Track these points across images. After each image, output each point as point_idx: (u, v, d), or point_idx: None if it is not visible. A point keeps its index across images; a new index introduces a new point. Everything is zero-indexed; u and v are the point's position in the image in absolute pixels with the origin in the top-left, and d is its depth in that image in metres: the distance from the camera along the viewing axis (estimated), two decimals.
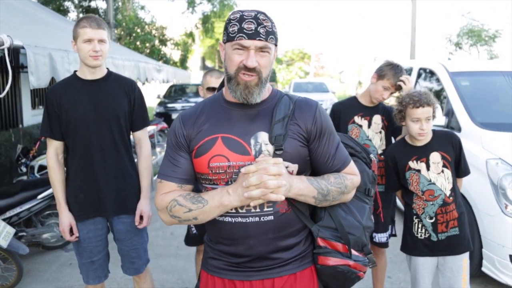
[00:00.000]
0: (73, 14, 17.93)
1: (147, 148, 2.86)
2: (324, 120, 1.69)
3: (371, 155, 1.93)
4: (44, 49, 4.14)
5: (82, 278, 2.89)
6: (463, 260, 2.83)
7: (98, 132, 2.64)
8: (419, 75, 6.18)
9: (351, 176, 1.71)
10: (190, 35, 22.16)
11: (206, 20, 22.11)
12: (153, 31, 18.88)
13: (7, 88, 3.35)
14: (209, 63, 59.59)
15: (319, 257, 1.69)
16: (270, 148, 1.59)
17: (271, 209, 1.60)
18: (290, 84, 21.13)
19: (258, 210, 1.59)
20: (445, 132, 2.91)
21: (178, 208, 1.65)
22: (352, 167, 1.74)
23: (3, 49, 3.30)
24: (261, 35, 1.55)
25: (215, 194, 1.59)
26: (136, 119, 2.81)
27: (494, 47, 20.48)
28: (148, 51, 17.94)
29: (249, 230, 1.61)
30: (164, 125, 11.50)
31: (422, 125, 2.71)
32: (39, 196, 4.53)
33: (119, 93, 2.72)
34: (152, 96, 18.46)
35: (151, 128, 9.40)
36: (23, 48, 3.82)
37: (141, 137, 2.86)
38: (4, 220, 4.19)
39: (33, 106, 9.43)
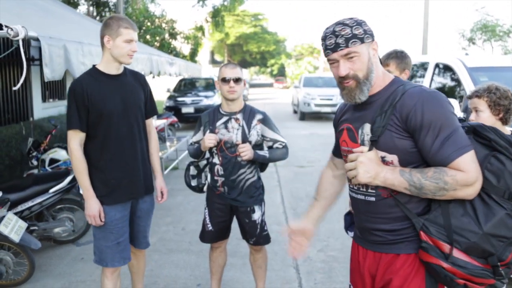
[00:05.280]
0: (83, 7, 17.90)
1: (155, 133, 3.26)
2: (427, 111, 1.63)
3: None
4: (59, 41, 4.08)
5: (106, 263, 2.95)
6: None
7: (127, 122, 2.90)
8: (435, 70, 6.07)
9: (454, 172, 1.59)
10: (200, 28, 22.09)
11: (216, 13, 22.03)
12: (163, 25, 18.83)
13: (22, 80, 3.30)
14: (218, 57, 59.59)
15: (420, 250, 1.71)
16: (369, 138, 1.75)
17: (374, 191, 1.79)
18: (300, 78, 20.91)
19: (364, 189, 1.82)
20: None
21: None
22: (463, 162, 1.58)
23: (17, 40, 3.25)
24: (340, 45, 1.71)
25: None
26: (149, 108, 3.13)
27: (508, 42, 20.21)
28: (158, 44, 17.90)
29: (359, 206, 1.88)
30: (174, 119, 11.42)
31: None
32: (51, 190, 4.50)
33: (137, 86, 3.01)
34: (161, 90, 18.45)
35: (161, 122, 9.35)
36: (35, 40, 3.76)
37: (151, 124, 3.22)
38: (15, 214, 4.16)
39: (44, 99, 9.41)
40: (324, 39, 1.77)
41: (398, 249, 1.77)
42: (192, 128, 15.27)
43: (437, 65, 6.03)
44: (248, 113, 3.20)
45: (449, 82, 5.67)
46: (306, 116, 18.13)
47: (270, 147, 3.25)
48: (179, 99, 15.55)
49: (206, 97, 15.76)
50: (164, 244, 4.97)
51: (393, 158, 1.71)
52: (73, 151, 2.79)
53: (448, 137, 1.61)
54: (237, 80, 3.11)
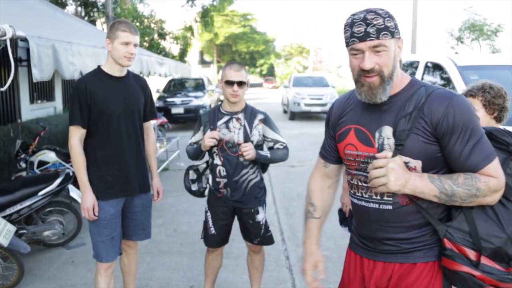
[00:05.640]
0: (71, 8, 17.74)
1: (153, 135, 3.39)
2: (458, 114, 1.57)
3: None
4: (48, 41, 4.02)
5: (101, 258, 3.02)
6: None
7: (126, 123, 3.00)
8: (425, 69, 6.09)
9: (486, 178, 1.56)
10: (189, 29, 22.01)
11: (205, 14, 21.96)
12: (152, 25, 18.72)
13: (9, 81, 3.25)
14: (207, 58, 59.45)
15: (443, 258, 1.64)
16: (392, 142, 1.63)
17: (391, 199, 1.67)
18: (290, 78, 20.91)
19: (378, 197, 1.70)
20: None
21: None
22: (492, 168, 1.57)
23: (5, 40, 3.19)
24: (371, 35, 1.56)
25: None
26: (148, 111, 3.25)
27: (496, 41, 20.39)
28: (147, 45, 17.79)
29: (370, 215, 1.73)
30: (164, 119, 11.34)
31: None
32: (40, 193, 4.43)
33: (138, 88, 3.13)
34: (151, 90, 18.35)
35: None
36: (22, 40, 3.70)
37: (150, 126, 3.33)
38: (4, 217, 4.09)
39: (32, 101, 9.31)
40: (350, 25, 1.60)
41: (415, 258, 1.69)
42: (182, 128, 15.30)
43: (427, 64, 6.05)
44: (250, 113, 3.17)
45: (439, 81, 5.70)
46: (296, 115, 18.14)
47: (270, 148, 3.20)
48: (169, 99, 15.48)
49: (196, 97, 15.71)
50: (156, 246, 4.93)
51: (417, 163, 1.61)
52: (73, 146, 2.88)
53: (478, 143, 1.58)
54: (241, 84, 3.06)
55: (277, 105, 24.51)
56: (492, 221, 1.59)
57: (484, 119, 2.55)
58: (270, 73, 63.07)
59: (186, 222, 5.72)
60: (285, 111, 20.34)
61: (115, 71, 2.98)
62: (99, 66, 3.02)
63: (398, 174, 1.53)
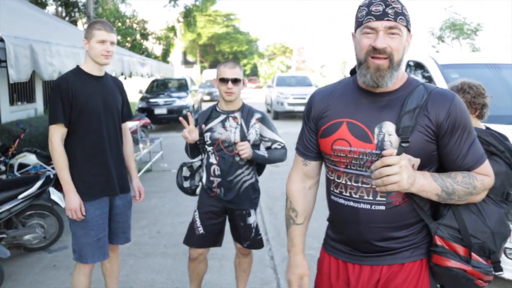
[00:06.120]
0: (52, 8, 17.51)
1: (130, 136, 3.39)
2: (459, 114, 1.57)
3: None
4: (25, 41, 3.95)
5: (86, 259, 2.99)
6: None
7: (106, 122, 3.01)
8: (407, 67, 6.13)
9: (482, 176, 1.60)
10: (172, 29, 21.89)
11: (188, 14, 21.86)
12: (134, 25, 18.57)
13: None
14: (190, 58, 59.21)
15: (434, 255, 1.65)
16: (394, 139, 1.57)
17: (384, 199, 1.62)
18: (273, 78, 20.96)
19: (371, 198, 1.62)
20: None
21: None
22: (486, 167, 1.62)
23: None
24: (389, 15, 1.52)
25: None
26: (125, 113, 3.26)
27: (476, 40, 20.69)
28: (129, 45, 17.64)
29: (360, 216, 1.65)
30: (147, 120, 11.27)
31: None
32: (20, 196, 4.34)
33: (116, 89, 3.15)
34: (134, 91, 18.20)
35: (133, 124, 9.19)
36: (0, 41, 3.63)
37: (126, 128, 3.34)
38: None
39: (12, 102, 9.16)
40: (368, 5, 1.56)
41: (403, 258, 1.67)
42: (165, 129, 15.24)
43: (409, 63, 6.09)
44: (247, 112, 3.12)
45: (421, 79, 5.74)
46: (280, 115, 18.16)
47: (268, 148, 3.16)
48: (152, 100, 15.38)
49: (179, 98, 15.63)
50: (139, 248, 4.88)
51: (416, 161, 1.58)
52: (55, 145, 2.85)
53: (473, 142, 1.62)
54: (236, 81, 3.02)
55: (260, 105, 24.46)
56: (477, 217, 1.64)
57: None
58: (254, 73, 63.08)
59: (170, 223, 5.67)
60: (268, 111, 20.34)
61: (94, 71, 2.99)
62: (78, 66, 3.02)
63: (410, 172, 1.48)
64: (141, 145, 8.85)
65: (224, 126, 3.07)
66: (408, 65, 6.11)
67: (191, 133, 3.04)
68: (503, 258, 3.60)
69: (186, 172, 3.35)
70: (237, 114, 3.10)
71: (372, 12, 1.54)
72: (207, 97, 28.03)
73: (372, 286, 1.70)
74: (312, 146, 1.84)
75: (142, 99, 15.70)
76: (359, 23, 1.59)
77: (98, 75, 3.01)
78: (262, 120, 3.14)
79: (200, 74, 52.82)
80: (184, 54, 58.66)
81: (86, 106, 2.90)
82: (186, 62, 58.84)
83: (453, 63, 5.49)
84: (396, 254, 1.67)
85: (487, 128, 2.66)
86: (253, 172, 3.19)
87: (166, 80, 17.55)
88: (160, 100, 15.32)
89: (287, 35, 71.62)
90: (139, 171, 8.01)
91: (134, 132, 9.12)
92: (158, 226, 5.61)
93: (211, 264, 4.30)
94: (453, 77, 5.11)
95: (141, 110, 14.73)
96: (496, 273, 1.67)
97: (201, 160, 3.28)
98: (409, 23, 1.58)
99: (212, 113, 3.16)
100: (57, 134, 2.86)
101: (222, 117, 3.11)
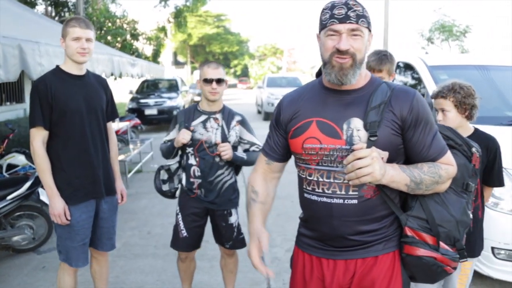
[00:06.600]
0: (41, 7, 17.37)
1: (115, 136, 3.29)
2: (421, 109, 1.68)
3: (473, 149, 1.91)
4: (14, 40, 3.93)
5: (71, 263, 2.97)
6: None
7: (89, 122, 2.92)
8: (396, 69, 6.17)
9: (446, 166, 1.70)
10: (163, 29, 21.82)
11: (178, 14, 21.81)
12: (125, 25, 18.47)
13: None
14: (180, 58, 59.03)
15: (405, 246, 1.73)
16: (362, 134, 1.64)
17: (356, 193, 1.68)
18: (263, 79, 21.00)
19: (343, 192, 1.68)
20: (485, 135, 2.67)
21: None
22: (448, 157, 1.72)
23: None
24: (351, 18, 1.61)
25: None
26: (110, 112, 3.16)
27: (464, 42, 20.88)
28: (119, 45, 17.54)
29: (333, 211, 1.70)
30: (137, 121, 11.20)
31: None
32: (9, 197, 4.32)
33: (100, 88, 3.05)
34: (124, 91, 18.11)
35: (124, 125, 9.16)
36: None
37: (111, 127, 3.24)
38: None
39: (0, 103, 9.08)
40: (331, 8, 1.64)
41: (376, 251, 1.73)
42: (156, 130, 15.15)
43: (398, 64, 6.13)
44: (227, 114, 3.15)
45: (410, 81, 5.77)
46: (270, 116, 18.09)
47: (246, 150, 3.19)
48: (142, 100, 15.33)
49: (169, 98, 15.59)
50: (129, 249, 4.86)
51: (384, 155, 1.65)
52: (36, 149, 2.78)
53: (436, 135, 1.71)
54: (220, 81, 3.04)
55: (251, 106, 24.51)
56: (441, 207, 1.72)
57: (456, 119, 2.59)
58: (244, 74, 63.13)
59: (160, 224, 5.65)
60: (259, 112, 20.36)
61: (74, 70, 2.91)
62: (57, 66, 2.95)
63: (381, 163, 1.56)
64: (131, 146, 8.81)
65: (205, 127, 3.08)
66: (397, 66, 6.14)
67: (187, 135, 3.05)
68: (491, 257, 3.65)
69: (164, 175, 3.34)
70: (218, 116, 3.12)
71: (335, 15, 1.62)
72: (198, 98, 27.96)
73: (348, 281, 1.76)
74: (278, 149, 1.93)
75: (132, 99, 15.63)
76: (323, 26, 1.67)
77: (78, 74, 2.92)
78: (242, 123, 3.17)
79: (191, 74, 52.70)
80: (175, 54, 58.47)
81: (67, 106, 2.82)
82: (176, 63, 58.66)
83: (442, 65, 5.53)
84: (369, 247, 1.73)
85: (476, 129, 2.70)
86: (233, 173, 3.22)
87: (157, 80, 17.49)
88: (150, 101, 15.27)
89: (278, 36, 71.73)
90: (129, 172, 7.99)
91: (124, 133, 9.09)
92: (148, 227, 5.59)
93: (202, 264, 4.30)
94: (442, 78, 5.15)
95: (131, 110, 14.66)
96: (461, 261, 1.76)
97: (179, 162, 3.28)
98: (370, 24, 1.68)
99: (192, 113, 3.16)
100: (38, 137, 2.79)
101: (203, 117, 3.12)
